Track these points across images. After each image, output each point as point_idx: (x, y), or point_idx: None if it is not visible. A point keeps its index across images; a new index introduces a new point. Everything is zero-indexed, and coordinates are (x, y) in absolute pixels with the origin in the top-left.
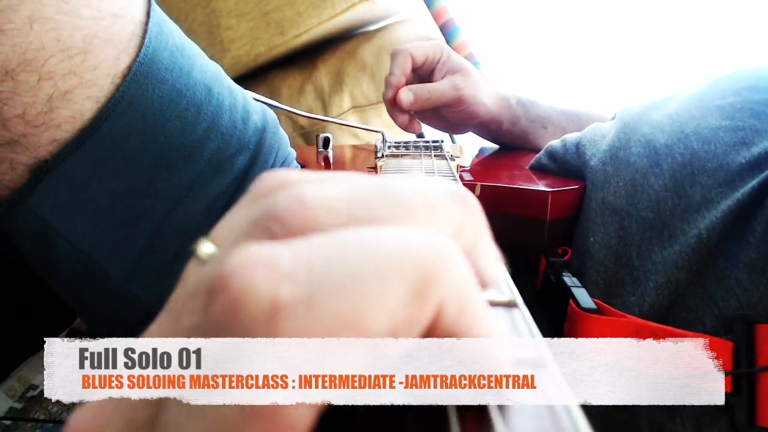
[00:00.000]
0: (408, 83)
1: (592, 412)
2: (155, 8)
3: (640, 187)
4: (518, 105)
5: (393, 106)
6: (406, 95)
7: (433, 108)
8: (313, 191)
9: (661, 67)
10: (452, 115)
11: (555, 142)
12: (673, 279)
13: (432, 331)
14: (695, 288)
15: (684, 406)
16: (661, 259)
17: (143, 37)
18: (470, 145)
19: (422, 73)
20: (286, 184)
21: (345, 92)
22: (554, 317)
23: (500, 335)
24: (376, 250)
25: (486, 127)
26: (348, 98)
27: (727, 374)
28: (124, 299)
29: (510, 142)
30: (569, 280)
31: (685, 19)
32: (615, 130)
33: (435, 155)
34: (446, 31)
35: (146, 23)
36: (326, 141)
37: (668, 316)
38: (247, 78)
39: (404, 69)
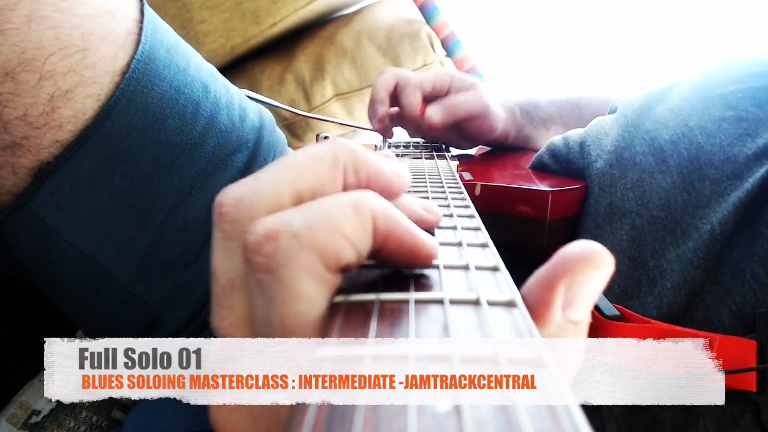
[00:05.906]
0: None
1: (614, 415)
2: (148, 7)
3: (648, 187)
4: (522, 116)
5: (421, 122)
6: (435, 111)
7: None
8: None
9: (662, 54)
10: (472, 129)
11: (557, 141)
12: (689, 278)
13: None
14: (711, 285)
15: (705, 408)
16: (676, 257)
17: (139, 34)
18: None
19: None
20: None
21: (327, 80)
22: None
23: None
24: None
25: (496, 140)
26: (330, 86)
27: (748, 370)
28: (128, 302)
29: (513, 146)
30: None
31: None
32: (618, 128)
33: (436, 155)
34: (448, 44)
35: (141, 21)
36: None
37: (686, 316)
38: (225, 71)
39: (417, 100)
